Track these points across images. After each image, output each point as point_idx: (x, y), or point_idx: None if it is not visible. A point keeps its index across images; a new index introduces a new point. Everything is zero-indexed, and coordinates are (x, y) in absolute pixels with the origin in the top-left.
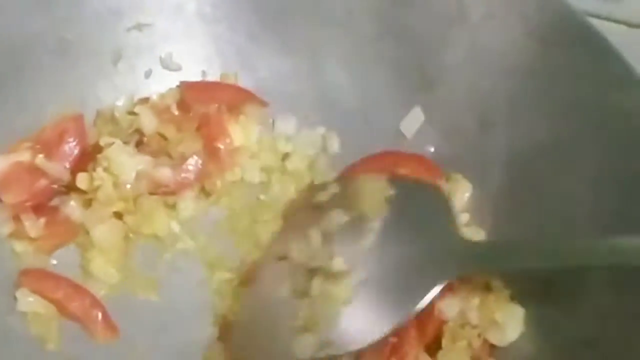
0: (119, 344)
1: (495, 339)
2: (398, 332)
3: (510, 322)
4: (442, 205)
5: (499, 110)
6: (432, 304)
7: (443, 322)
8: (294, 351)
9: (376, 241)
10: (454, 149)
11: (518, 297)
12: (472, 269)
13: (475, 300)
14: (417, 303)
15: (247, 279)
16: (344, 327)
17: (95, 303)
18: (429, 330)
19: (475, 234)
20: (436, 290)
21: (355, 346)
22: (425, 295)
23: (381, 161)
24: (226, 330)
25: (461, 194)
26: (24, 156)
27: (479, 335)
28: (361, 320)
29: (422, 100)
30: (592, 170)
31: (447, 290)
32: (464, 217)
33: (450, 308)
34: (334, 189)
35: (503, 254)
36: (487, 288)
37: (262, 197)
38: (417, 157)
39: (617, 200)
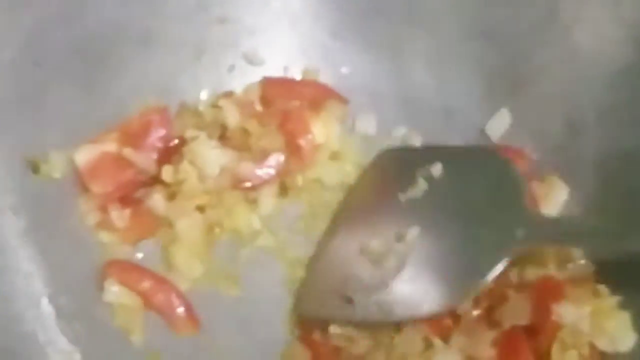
0: (200, 338)
1: (606, 346)
2: (509, 337)
3: (621, 330)
4: (505, 172)
5: (589, 114)
6: (547, 310)
7: (556, 330)
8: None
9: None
10: (541, 152)
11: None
12: (542, 242)
13: (587, 308)
14: (483, 277)
15: None
16: (398, 293)
17: (179, 296)
18: (541, 336)
19: None
20: (503, 264)
21: (409, 313)
22: (491, 269)
23: None
24: (306, 331)
25: (557, 196)
26: (111, 147)
27: (589, 344)
28: (417, 290)
29: (509, 102)
30: None
31: (561, 295)
32: None
33: (567, 313)
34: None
35: (577, 231)
36: (595, 295)
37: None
38: (509, 148)
39: None
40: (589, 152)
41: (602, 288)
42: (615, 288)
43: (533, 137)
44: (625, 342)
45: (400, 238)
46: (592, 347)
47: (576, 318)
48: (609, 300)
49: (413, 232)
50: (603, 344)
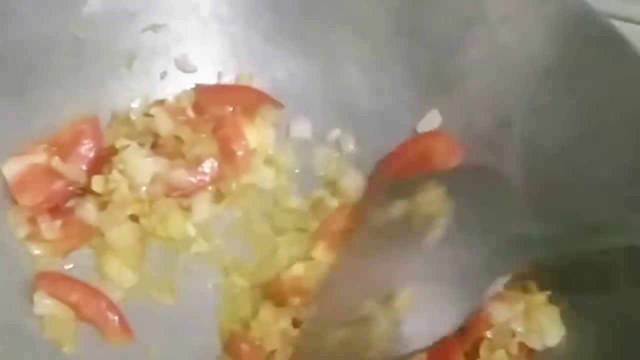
0: (134, 347)
1: (536, 343)
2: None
3: (551, 326)
4: (500, 191)
5: (517, 111)
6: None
7: (485, 328)
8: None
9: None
10: (472, 150)
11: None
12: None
13: (520, 306)
14: (481, 295)
15: (266, 292)
16: (408, 329)
17: (111, 306)
18: (470, 335)
19: None
20: (500, 282)
21: (422, 343)
22: (487, 288)
23: (413, 148)
24: (232, 343)
25: None
26: (40, 158)
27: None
28: (425, 320)
29: (439, 102)
30: (611, 169)
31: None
32: None
33: (500, 312)
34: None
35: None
36: (525, 291)
37: (281, 203)
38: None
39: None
40: (517, 149)
41: (531, 284)
42: (542, 283)
43: (463, 135)
44: (553, 336)
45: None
46: (521, 345)
47: (509, 317)
48: (539, 296)
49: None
50: (533, 341)
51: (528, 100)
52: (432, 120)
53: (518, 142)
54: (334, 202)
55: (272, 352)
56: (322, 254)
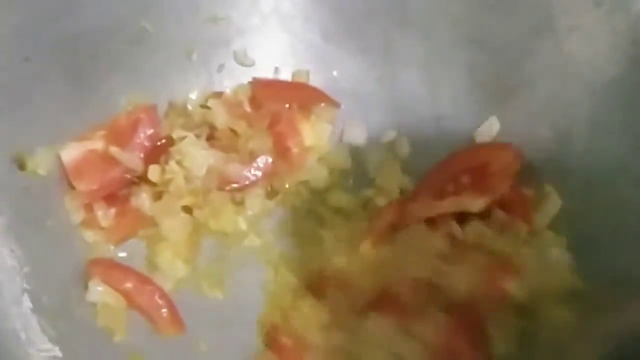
0: (183, 339)
1: None
2: None
3: None
4: None
5: (579, 124)
6: None
7: None
8: None
9: None
10: (530, 160)
11: None
12: None
13: None
14: None
15: (307, 283)
16: None
17: (163, 297)
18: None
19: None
20: None
21: None
22: None
23: (469, 158)
24: (272, 334)
25: (549, 207)
26: (98, 144)
27: None
28: None
29: (498, 110)
30: None
31: None
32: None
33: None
34: None
35: None
36: None
37: (332, 202)
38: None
39: None
40: (579, 161)
41: None
42: None
43: (522, 145)
44: None
45: None
46: None
47: None
48: None
49: None
50: None
51: (591, 112)
52: (490, 128)
53: (579, 154)
54: (381, 201)
55: (312, 345)
56: (367, 249)
